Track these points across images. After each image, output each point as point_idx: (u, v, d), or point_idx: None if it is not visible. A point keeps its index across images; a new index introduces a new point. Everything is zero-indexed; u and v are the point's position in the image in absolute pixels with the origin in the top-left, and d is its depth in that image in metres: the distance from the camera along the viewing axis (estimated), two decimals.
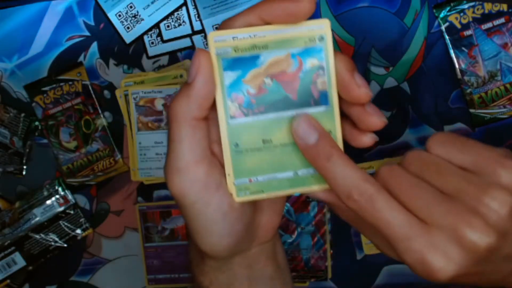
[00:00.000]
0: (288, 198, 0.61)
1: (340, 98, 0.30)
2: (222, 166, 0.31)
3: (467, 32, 0.57)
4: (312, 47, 0.29)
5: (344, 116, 0.31)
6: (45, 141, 0.64)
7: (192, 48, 0.61)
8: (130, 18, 0.61)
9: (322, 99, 0.30)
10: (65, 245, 0.64)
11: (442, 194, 0.28)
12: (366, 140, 0.31)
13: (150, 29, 0.61)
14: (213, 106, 0.30)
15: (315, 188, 0.31)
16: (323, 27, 0.29)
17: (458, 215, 0.26)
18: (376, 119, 0.30)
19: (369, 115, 0.30)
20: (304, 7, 0.28)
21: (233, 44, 0.29)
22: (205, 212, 0.31)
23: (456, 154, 0.29)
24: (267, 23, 0.29)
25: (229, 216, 0.31)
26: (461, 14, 0.57)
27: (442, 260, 0.26)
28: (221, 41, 0.29)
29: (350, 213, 0.31)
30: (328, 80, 0.29)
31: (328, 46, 0.29)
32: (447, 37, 0.58)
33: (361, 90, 0.29)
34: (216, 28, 0.60)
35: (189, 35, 0.61)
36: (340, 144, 0.30)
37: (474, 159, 0.28)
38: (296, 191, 0.31)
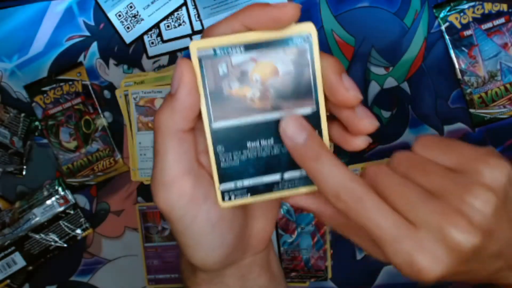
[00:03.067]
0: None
1: (329, 101, 0.29)
2: (210, 177, 0.30)
3: (467, 32, 0.57)
4: (297, 49, 0.28)
5: (335, 119, 0.30)
6: (45, 141, 0.64)
7: None
8: (130, 18, 0.61)
9: (309, 101, 0.29)
10: (65, 245, 0.64)
11: (427, 194, 0.27)
12: (359, 143, 0.29)
13: (150, 29, 0.61)
14: (200, 116, 0.29)
15: (302, 190, 0.30)
16: (308, 30, 0.28)
17: (443, 215, 0.26)
18: (367, 123, 0.29)
19: (359, 119, 0.29)
20: (288, 12, 0.27)
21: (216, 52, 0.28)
22: (193, 225, 0.30)
23: (441, 155, 0.28)
24: (250, 29, 0.28)
25: (219, 227, 0.30)
26: (461, 14, 0.57)
27: (430, 261, 0.26)
28: (204, 50, 0.28)
29: (334, 219, 0.31)
30: (314, 82, 0.29)
31: (314, 48, 0.28)
32: (447, 37, 0.58)
33: (350, 93, 0.28)
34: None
35: (189, 35, 0.61)
36: (328, 146, 0.29)
37: (458, 159, 0.28)
38: (283, 194, 0.30)
